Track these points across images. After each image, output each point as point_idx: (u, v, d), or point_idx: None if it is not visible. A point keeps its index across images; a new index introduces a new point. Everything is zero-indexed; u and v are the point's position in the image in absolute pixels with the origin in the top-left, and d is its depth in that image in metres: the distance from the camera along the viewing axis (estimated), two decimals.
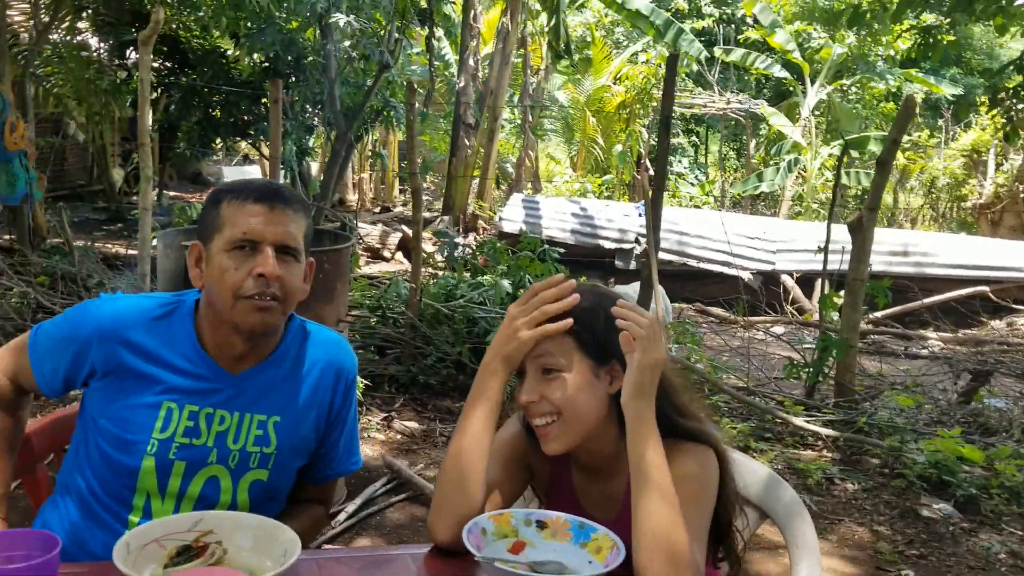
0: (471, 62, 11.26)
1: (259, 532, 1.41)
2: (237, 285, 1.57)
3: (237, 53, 8.82)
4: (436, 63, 15.51)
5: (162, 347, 1.66)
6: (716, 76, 15.78)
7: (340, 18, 6.39)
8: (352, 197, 16.00)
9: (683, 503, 1.43)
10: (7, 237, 7.68)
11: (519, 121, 14.99)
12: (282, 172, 12.66)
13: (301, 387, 1.74)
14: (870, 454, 4.59)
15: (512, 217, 9.76)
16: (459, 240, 7.07)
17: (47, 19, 8.30)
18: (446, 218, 11.50)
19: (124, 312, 1.69)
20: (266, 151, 10.46)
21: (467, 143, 11.27)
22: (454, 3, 12.85)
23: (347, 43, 7.64)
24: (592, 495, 1.63)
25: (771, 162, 15.68)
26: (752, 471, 1.92)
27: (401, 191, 17.76)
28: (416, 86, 15.96)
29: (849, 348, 5.08)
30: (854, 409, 5.05)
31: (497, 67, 11.56)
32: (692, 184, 18.28)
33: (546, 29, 12.07)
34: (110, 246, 8.83)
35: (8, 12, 8.66)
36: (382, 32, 7.59)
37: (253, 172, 15.82)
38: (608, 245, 9.54)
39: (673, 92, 5.22)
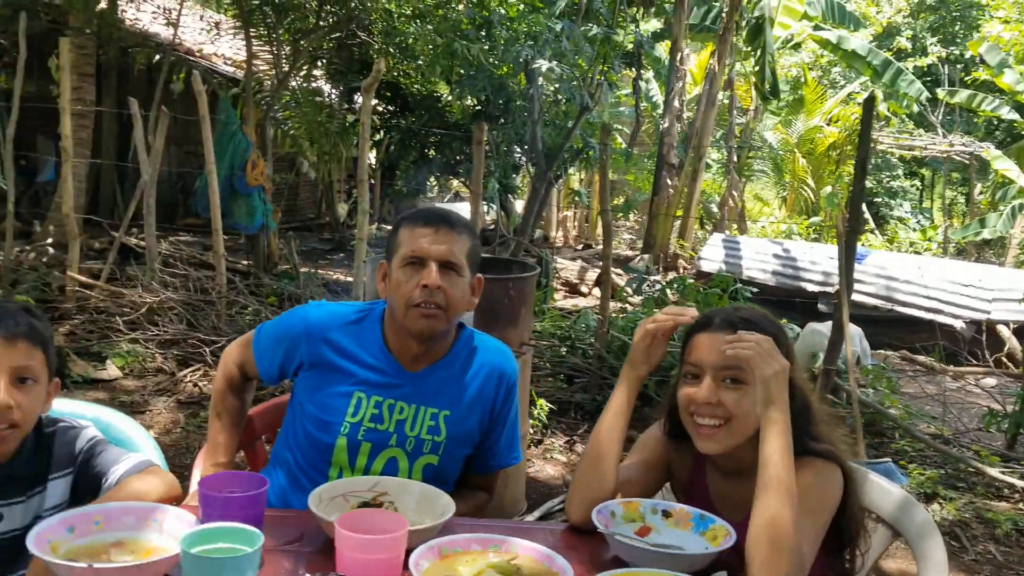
0: (676, 103, 11.44)
1: (423, 496, 1.72)
2: (408, 295, 1.87)
3: (451, 97, 9.45)
4: (644, 104, 15.80)
5: (355, 346, 1.99)
6: (940, 118, 15.07)
7: (543, 64, 6.78)
8: (555, 234, 16.49)
9: (805, 509, 1.58)
10: (244, 263, 8.58)
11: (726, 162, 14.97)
12: (484, 208, 13.33)
13: (468, 387, 2.02)
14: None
15: (711, 256, 9.81)
16: (650, 276, 7.23)
17: (287, 68, 9.26)
18: (646, 256, 11.66)
19: (327, 316, 2.03)
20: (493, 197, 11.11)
21: (669, 183, 11.42)
22: (664, 45, 13.10)
23: (551, 87, 8.05)
24: (726, 497, 1.79)
25: (997, 207, 14.76)
26: (887, 491, 2.00)
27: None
28: (618, 126, 16.26)
29: None
30: None
31: (703, 108, 11.66)
32: (913, 229, 17.45)
33: (752, 71, 12.05)
34: (331, 272, 9.65)
35: (254, 62, 9.74)
36: (583, 77, 7.94)
37: (463, 208, 16.65)
38: (811, 288, 9.37)
39: (869, 134, 5.18)
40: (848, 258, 5.38)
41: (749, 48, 11.08)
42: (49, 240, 8.96)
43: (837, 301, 5.66)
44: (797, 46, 15.47)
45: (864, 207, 15.00)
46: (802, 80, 16.87)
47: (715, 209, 15.42)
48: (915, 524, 1.95)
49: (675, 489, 1.93)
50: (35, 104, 8.10)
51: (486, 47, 7.05)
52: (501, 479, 2.20)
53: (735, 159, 13.66)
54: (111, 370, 5.44)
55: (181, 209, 11.98)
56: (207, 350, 5.61)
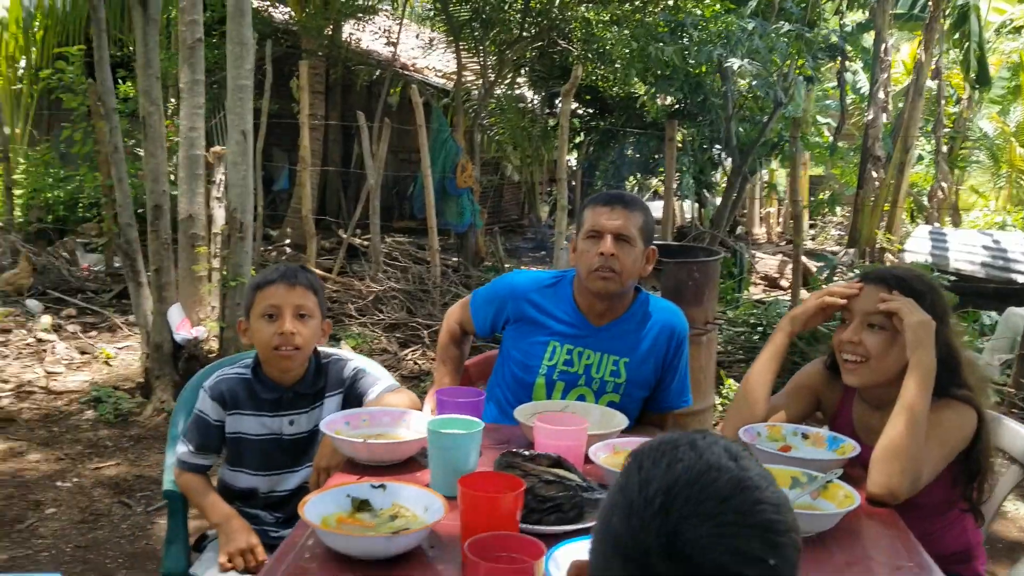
0: (881, 94, 11.20)
1: (602, 415, 2.15)
2: (589, 262, 2.30)
3: (646, 98, 9.81)
4: (852, 96, 15.44)
5: (551, 305, 2.45)
6: None
7: (735, 63, 7.01)
8: (759, 231, 16.39)
9: (935, 439, 1.88)
10: (455, 259, 9.32)
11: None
12: (677, 203, 13.52)
13: (644, 339, 2.42)
14: None
15: (917, 249, 9.58)
16: (842, 263, 7.30)
17: (493, 77, 9.95)
18: (851, 251, 11.49)
19: (528, 281, 2.50)
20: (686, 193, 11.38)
21: (875, 175, 11.20)
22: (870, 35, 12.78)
23: (745, 85, 8.23)
24: (867, 426, 2.10)
25: None
26: (1019, 434, 2.25)
27: (810, 225, 17.72)
28: (825, 120, 15.91)
29: None
30: None
31: (911, 98, 11.36)
32: None
33: (961, 60, 11.60)
34: (533, 268, 10.24)
35: (463, 73, 10.51)
36: (777, 73, 8.08)
37: (658, 207, 16.90)
38: (1022, 279, 8.99)
39: None
40: None
41: (948, 38, 10.70)
42: (287, 241, 10.10)
43: None
44: (1017, 30, 14.61)
45: None
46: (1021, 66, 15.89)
47: (925, 202, 14.84)
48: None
49: (824, 416, 2.26)
50: (274, 120, 9.19)
51: (680, 49, 7.36)
52: (672, 420, 2.58)
53: (943, 149, 13.12)
54: (344, 350, 6.21)
55: (397, 212, 12.98)
56: (425, 333, 6.29)
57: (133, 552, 3.40)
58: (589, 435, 1.89)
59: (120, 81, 8.57)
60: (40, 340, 5.98)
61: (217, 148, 5.34)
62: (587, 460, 1.86)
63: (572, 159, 14.30)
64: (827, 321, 2.17)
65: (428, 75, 13.21)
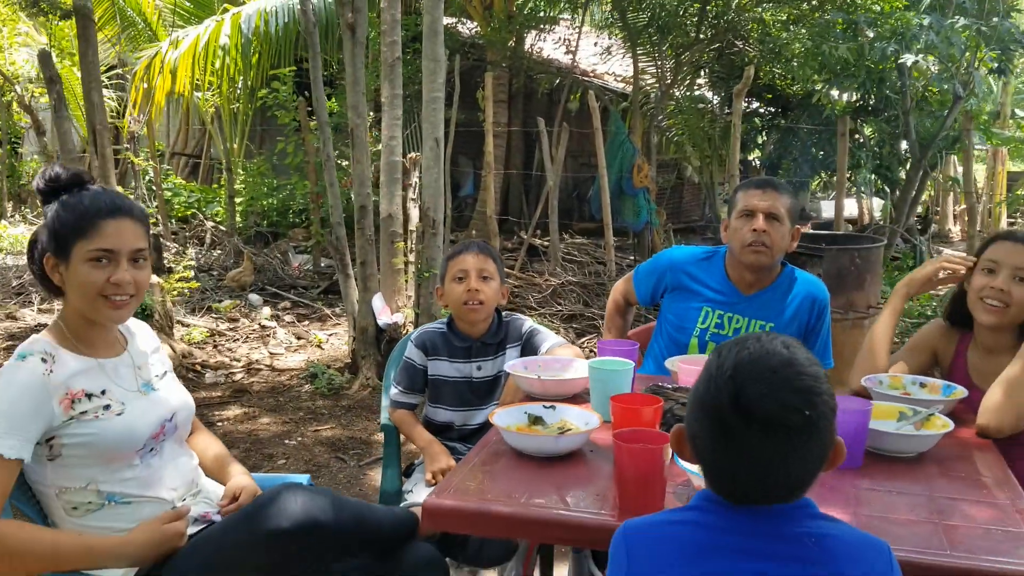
0: None
1: None
2: (742, 237, 2.64)
3: (822, 95, 9.79)
4: None
5: (705, 276, 2.80)
6: None
7: (909, 58, 7.01)
8: (954, 228, 15.78)
9: None
10: (632, 257, 9.68)
11: None
12: (865, 200, 13.24)
13: (788, 307, 2.73)
14: None
15: None
16: None
17: (670, 80, 10.23)
18: None
19: (685, 255, 2.87)
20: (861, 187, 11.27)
21: None
22: None
23: (921, 80, 8.14)
24: (980, 371, 2.33)
25: None
26: None
27: (1010, 222, 16.84)
28: (1015, 112, 15.10)
29: None
30: None
31: None
32: None
33: None
34: None
35: (641, 76, 10.84)
36: (955, 67, 7.95)
37: (849, 205, 16.55)
38: None
39: None
40: None
41: None
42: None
43: None
44: None
45: None
46: None
47: None
48: None
49: (940, 369, 2.50)
50: (461, 129, 9.86)
51: (856, 46, 7.41)
52: None
53: None
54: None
55: (576, 214, 13.42)
56: (600, 323, 6.69)
57: (350, 495, 3.99)
58: None
59: (328, 98, 9.48)
60: (263, 327, 6.83)
61: (413, 155, 5.96)
62: None
63: (754, 158, 14.31)
64: (938, 287, 2.43)
65: (606, 80, 13.61)
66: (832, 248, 4.36)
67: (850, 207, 16.07)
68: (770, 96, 12.32)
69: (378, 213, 5.66)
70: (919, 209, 11.37)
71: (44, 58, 5.74)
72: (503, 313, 2.72)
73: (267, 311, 7.38)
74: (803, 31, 8.56)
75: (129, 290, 1.88)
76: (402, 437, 2.72)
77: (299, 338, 6.63)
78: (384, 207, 5.63)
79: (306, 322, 7.21)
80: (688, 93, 12.20)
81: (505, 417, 1.99)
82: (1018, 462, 2.00)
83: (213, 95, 10.97)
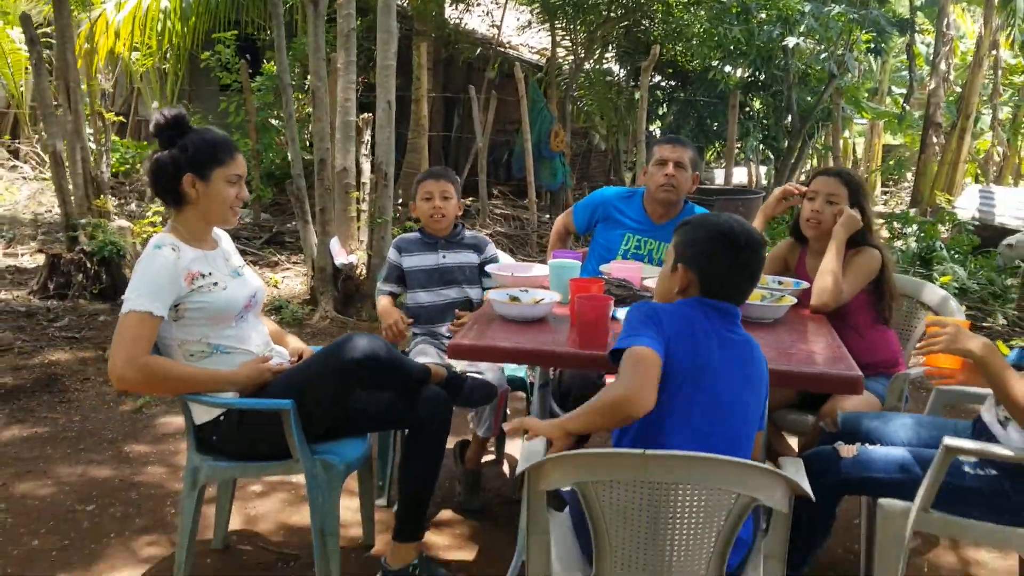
0: (943, 66, 12.03)
1: (652, 272, 3.41)
2: (656, 180, 3.55)
3: (718, 72, 10.86)
4: (926, 67, 16.14)
5: (627, 209, 3.71)
6: None
7: (791, 40, 8.09)
8: None
9: (854, 270, 3.10)
10: (547, 216, 10.61)
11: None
12: (753, 168, 14.47)
13: None
14: None
15: (966, 206, 10.48)
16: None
17: (583, 54, 11.15)
18: (913, 210, 12.37)
19: (613, 193, 3.78)
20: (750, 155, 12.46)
21: (935, 140, 12.07)
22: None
23: (802, 61, 9.26)
24: (813, 269, 3.32)
25: None
26: (933, 290, 3.45)
27: (883, 191, 18.46)
28: (900, 91, 16.51)
29: None
30: None
31: (972, 70, 12.15)
32: None
33: (1005, 36, 12.33)
34: None
35: (556, 50, 11.73)
36: (831, 49, 9.11)
37: (739, 173, 17.91)
38: None
39: None
40: None
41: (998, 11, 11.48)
42: (399, 201, 11.50)
43: None
44: None
45: None
46: None
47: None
48: (941, 300, 3.38)
49: (789, 269, 3.48)
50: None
51: (746, 29, 8.46)
52: None
53: (999, 116, 13.83)
54: None
55: (492, 176, 14.33)
56: None
57: None
58: (643, 276, 3.16)
59: (266, 61, 10.08)
60: None
61: (364, 115, 6.72)
62: (640, 285, 3.13)
63: (655, 128, 15.40)
64: (785, 211, 3.41)
65: (523, 52, 14.47)
66: (720, 198, 5.36)
67: (739, 175, 17.43)
68: (671, 71, 13.41)
69: (335, 167, 6.41)
70: (801, 176, 12.62)
71: (25, 21, 6.26)
72: (461, 224, 3.64)
73: None
74: (702, 13, 9.57)
75: (244, 202, 2.70)
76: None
77: None
78: (339, 161, 6.38)
79: (256, 267, 7.90)
80: (597, 67, 13.16)
81: (495, 296, 2.87)
82: (852, 340, 2.97)
83: (145, 56, 11.38)
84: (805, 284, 3.18)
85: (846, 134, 14.64)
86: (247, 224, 9.57)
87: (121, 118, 10.96)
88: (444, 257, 3.57)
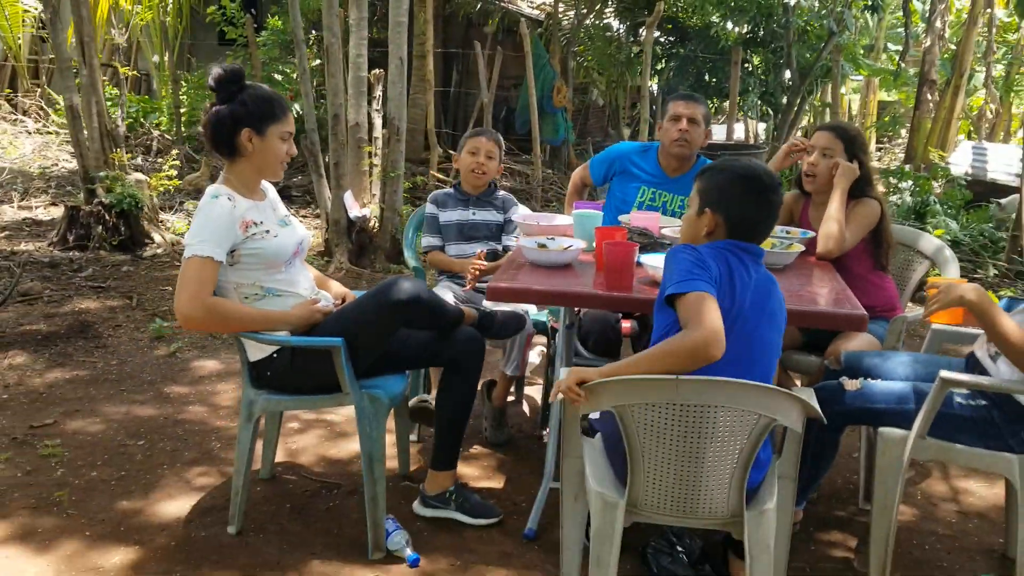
0: (938, 23, 12.16)
1: (669, 222, 3.63)
2: (670, 135, 3.75)
3: (719, 27, 10.98)
4: (922, 25, 16.26)
5: (642, 163, 3.91)
6: None
7: None
8: None
9: (855, 220, 3.32)
10: (550, 170, 10.79)
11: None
12: (752, 124, 14.61)
13: None
14: None
15: (959, 162, 10.68)
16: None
17: (585, 10, 11.24)
18: (907, 166, 12.58)
19: (628, 147, 3.98)
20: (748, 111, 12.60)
21: (929, 99, 12.24)
22: None
23: (803, 17, 9.40)
24: (816, 219, 3.53)
25: None
26: (930, 240, 3.68)
27: (877, 148, 18.63)
28: (896, 47, 16.61)
29: None
30: None
31: (967, 26, 12.31)
32: None
33: None
34: None
35: (560, 6, 11.81)
36: (831, 6, 9.28)
37: (738, 129, 18.05)
38: None
39: None
40: None
41: None
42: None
43: None
44: None
45: None
46: None
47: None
48: (936, 248, 3.61)
49: (794, 218, 3.70)
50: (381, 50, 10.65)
51: None
52: None
53: (992, 74, 14.01)
54: None
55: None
56: None
57: None
58: (660, 226, 3.37)
59: (270, 16, 10.16)
60: None
61: (377, 71, 6.86)
62: (659, 233, 3.34)
63: (654, 84, 15.48)
64: (791, 165, 3.63)
65: (522, 7, 14.50)
66: (726, 153, 5.56)
67: (738, 131, 17.58)
68: (670, 27, 13.46)
69: (347, 121, 6.57)
70: (798, 132, 12.79)
71: None
72: (495, 183, 3.83)
73: None
74: None
75: (290, 157, 2.90)
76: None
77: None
78: (352, 117, 6.54)
79: None
80: (597, 22, 13.23)
81: (526, 242, 3.09)
82: (854, 285, 3.20)
83: (146, 9, 11.41)
84: (811, 233, 3.41)
85: (842, 91, 14.77)
86: None
87: (135, 72, 11.04)
88: (474, 214, 3.80)
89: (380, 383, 2.95)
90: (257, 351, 2.90)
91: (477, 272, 3.43)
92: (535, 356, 4.76)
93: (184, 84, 11.16)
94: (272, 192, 3.08)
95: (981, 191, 9.52)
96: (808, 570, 2.91)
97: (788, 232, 3.48)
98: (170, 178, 7.18)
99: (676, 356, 2.11)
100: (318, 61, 10.63)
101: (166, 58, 11.98)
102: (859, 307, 2.68)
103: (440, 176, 8.91)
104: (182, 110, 10.71)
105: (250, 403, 2.93)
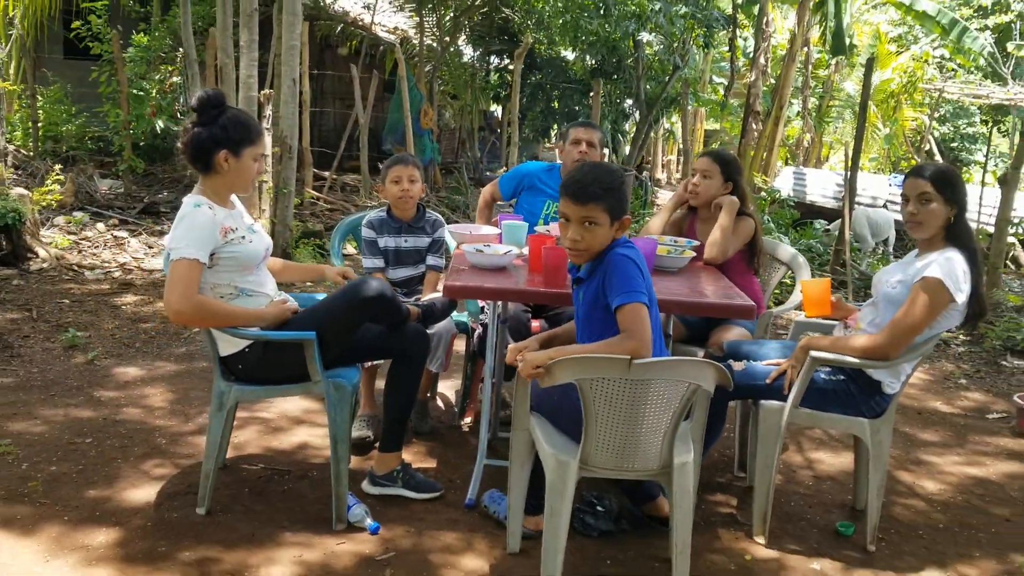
0: (762, 60, 13.46)
1: None
2: (573, 156, 4.30)
3: (574, 59, 11.81)
4: (743, 60, 17.81)
5: (548, 179, 4.46)
6: (1011, 69, 16.59)
7: (644, 36, 9.11)
8: (661, 175, 18.79)
9: (735, 233, 3.96)
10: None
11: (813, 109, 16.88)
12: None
13: None
14: (991, 336, 6.51)
15: (781, 186, 11.94)
16: None
17: (448, 38, 11.80)
18: None
19: (535, 167, 4.52)
20: None
21: (754, 127, 13.50)
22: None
23: (652, 52, 10.31)
24: (702, 233, 4.18)
25: None
26: (786, 249, 4.40)
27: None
28: (720, 80, 18.04)
29: (995, 269, 6.97)
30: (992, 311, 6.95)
31: (786, 63, 13.68)
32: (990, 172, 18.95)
33: (819, 33, 13.96)
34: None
35: (410, 32, 12.27)
36: (675, 44, 10.24)
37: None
38: (860, 207, 11.44)
39: (869, 85, 7.36)
40: (852, 180, 7.62)
41: (813, 12, 13.09)
42: None
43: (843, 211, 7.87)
44: (876, 6, 17.14)
45: (936, 149, 16.76)
46: (882, 37, 18.50)
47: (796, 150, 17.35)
48: (791, 256, 4.33)
49: (683, 231, 4.34)
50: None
51: (603, 22, 9.41)
52: None
53: (809, 106, 15.62)
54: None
55: (346, 154, 14.74)
56: None
57: None
58: None
59: (139, 33, 10.13)
60: (116, 237, 7.71)
61: (266, 91, 7.13)
62: None
63: (498, 109, 16.20)
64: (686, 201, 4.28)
65: (376, 30, 14.89)
66: None
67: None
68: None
69: None
70: (646, 155, 13.78)
71: None
72: (423, 206, 4.25)
73: (101, 227, 8.19)
74: (560, 5, 10.44)
75: (259, 175, 3.26)
76: None
77: (150, 247, 7.61)
78: None
79: (139, 237, 8.12)
80: (454, 48, 13.82)
81: (467, 248, 3.56)
82: (732, 281, 3.84)
83: None
84: (696, 243, 4.04)
85: (674, 119, 16.02)
86: (119, 194, 9.65)
87: (18, 87, 10.68)
88: (406, 241, 4.14)
89: (342, 373, 3.33)
90: (229, 346, 3.23)
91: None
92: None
93: (40, 98, 10.89)
94: (239, 204, 3.41)
95: (803, 211, 10.70)
96: (703, 523, 3.49)
97: (676, 241, 4.10)
98: (51, 192, 7.15)
99: (622, 352, 2.61)
100: (175, 78, 10.69)
101: (11, 70, 11.61)
102: (748, 299, 3.31)
103: (315, 194, 9.19)
104: (39, 124, 10.46)
105: (221, 394, 3.24)
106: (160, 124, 9.95)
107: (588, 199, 2.74)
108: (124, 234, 7.81)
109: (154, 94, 10.02)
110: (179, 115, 9.97)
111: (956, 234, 3.20)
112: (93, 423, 4.04)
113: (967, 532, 3.57)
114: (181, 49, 10.12)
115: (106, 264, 6.91)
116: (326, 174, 10.69)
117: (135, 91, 9.65)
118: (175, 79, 10.66)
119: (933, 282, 3.08)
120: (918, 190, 3.21)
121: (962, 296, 3.12)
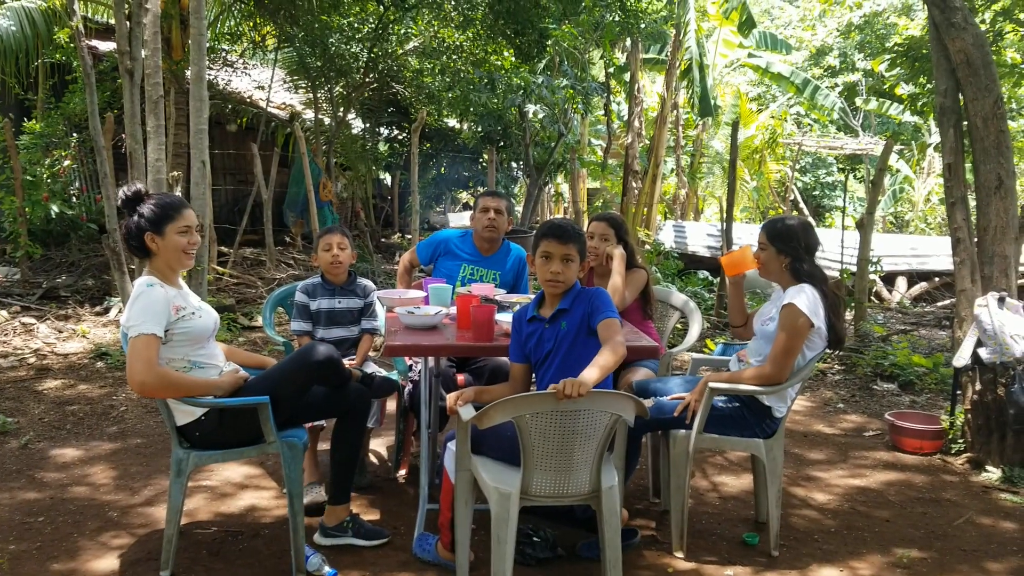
0: (636, 123, 14.35)
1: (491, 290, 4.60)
2: (482, 223, 4.74)
3: (464, 129, 12.39)
4: (617, 123, 18.81)
5: (462, 245, 4.87)
6: (861, 121, 18.12)
7: (531, 108, 9.74)
8: None
9: (629, 284, 4.44)
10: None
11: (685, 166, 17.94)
12: None
13: (508, 262, 4.88)
14: (862, 364, 7.22)
15: (664, 239, 12.71)
16: None
17: (342, 114, 12.19)
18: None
19: (450, 233, 4.93)
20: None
21: (634, 185, 14.32)
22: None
23: (537, 122, 11.00)
24: (597, 284, 4.63)
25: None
26: (678, 296, 4.91)
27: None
28: (598, 142, 18.95)
29: (860, 304, 7.72)
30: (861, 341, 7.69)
31: (658, 125, 14.62)
32: (849, 216, 20.41)
33: (686, 97, 15.03)
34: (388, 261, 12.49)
35: (307, 108, 12.63)
36: (558, 113, 10.94)
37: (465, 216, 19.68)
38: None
39: (736, 143, 8.10)
40: (728, 229, 8.31)
41: (680, 79, 14.15)
42: None
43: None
44: (735, 69, 18.50)
45: (800, 198, 18.02)
46: (744, 97, 19.88)
47: (673, 205, 18.37)
48: (683, 302, 4.84)
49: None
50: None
51: (492, 97, 10.01)
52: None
53: (682, 164, 16.66)
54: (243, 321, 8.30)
55: (240, 228, 14.86)
56: None
57: None
58: (494, 293, 4.33)
59: (30, 119, 10.16)
60: (24, 324, 7.70)
61: (175, 173, 7.35)
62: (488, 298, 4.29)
63: (388, 177, 16.60)
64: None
65: (262, 106, 15.16)
66: (517, 235, 6.64)
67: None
68: (406, 125, 14.75)
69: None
70: (537, 217, 14.34)
71: None
72: (354, 272, 4.60)
73: (4, 314, 8.15)
74: (447, 79, 11.01)
75: (196, 247, 3.56)
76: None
77: (60, 332, 7.63)
78: None
79: (48, 319, 8.13)
80: (346, 121, 14.23)
81: (400, 311, 3.92)
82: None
83: None
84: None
85: (559, 180, 16.81)
86: (16, 281, 9.58)
87: None
88: (339, 302, 4.46)
89: (293, 433, 3.62)
90: (185, 416, 3.48)
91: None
92: None
93: None
94: (183, 283, 3.70)
95: (686, 261, 11.44)
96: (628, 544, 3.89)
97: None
98: None
99: (619, 356, 3.15)
100: (68, 162, 10.73)
101: None
102: (652, 340, 3.77)
103: (222, 269, 9.35)
104: None
105: (179, 460, 3.48)
106: (55, 209, 9.95)
107: (568, 239, 3.35)
108: (31, 320, 7.81)
109: (47, 180, 10.03)
110: (74, 198, 10.00)
111: (804, 273, 3.81)
112: (41, 503, 4.17)
113: (855, 533, 4.08)
114: (75, 134, 10.22)
115: (19, 351, 6.93)
116: (227, 249, 10.85)
117: (29, 177, 9.67)
118: (66, 163, 10.69)
119: (792, 309, 3.65)
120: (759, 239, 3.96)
121: (818, 320, 3.68)
